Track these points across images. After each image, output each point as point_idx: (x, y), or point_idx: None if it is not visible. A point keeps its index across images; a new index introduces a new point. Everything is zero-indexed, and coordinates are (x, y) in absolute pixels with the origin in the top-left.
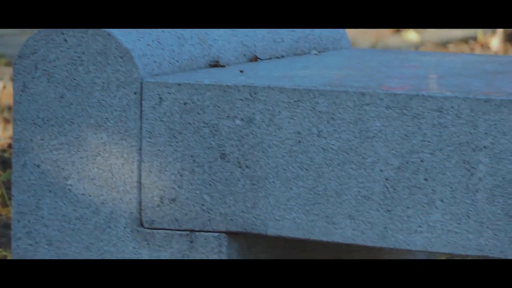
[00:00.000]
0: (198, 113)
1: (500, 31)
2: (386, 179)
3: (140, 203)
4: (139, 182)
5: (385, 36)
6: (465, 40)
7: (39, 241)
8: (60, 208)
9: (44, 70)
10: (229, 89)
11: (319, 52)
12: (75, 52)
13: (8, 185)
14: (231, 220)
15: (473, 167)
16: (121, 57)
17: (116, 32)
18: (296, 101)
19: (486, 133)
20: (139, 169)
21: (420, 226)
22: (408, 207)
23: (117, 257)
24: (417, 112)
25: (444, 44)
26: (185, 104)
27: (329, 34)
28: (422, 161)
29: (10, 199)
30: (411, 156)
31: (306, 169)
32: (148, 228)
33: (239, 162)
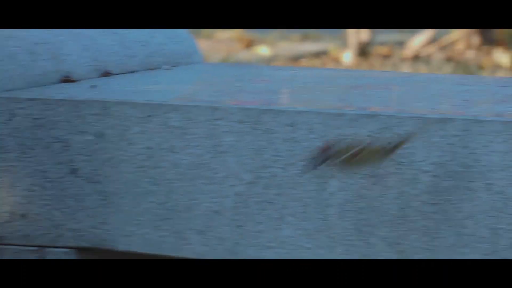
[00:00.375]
0: (50, 128)
1: (352, 45)
2: (237, 194)
3: None
4: None
5: (237, 50)
6: (317, 55)
7: None
8: None
9: None
10: (80, 104)
11: (171, 66)
12: None
13: None
14: (81, 235)
15: (325, 182)
16: None
17: None
18: (147, 116)
19: None
20: None
21: (271, 242)
22: (259, 222)
23: None
24: (269, 126)
25: (296, 58)
26: (36, 119)
27: (182, 49)
28: (273, 176)
29: None
30: (263, 171)
31: (157, 185)
32: None
33: (89, 178)
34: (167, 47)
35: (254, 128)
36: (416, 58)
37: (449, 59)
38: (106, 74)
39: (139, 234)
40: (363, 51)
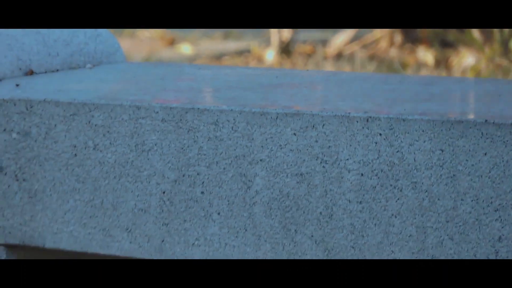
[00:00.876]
0: None
1: (275, 44)
2: (163, 192)
3: None
4: None
5: (159, 49)
6: (240, 53)
7: None
8: None
9: None
10: (5, 103)
11: (94, 65)
12: None
13: None
14: (9, 233)
15: (250, 180)
16: None
17: None
18: (71, 115)
19: (262, 146)
20: None
21: (197, 239)
22: (185, 220)
23: None
24: (192, 125)
25: (218, 57)
26: None
27: (104, 48)
28: (198, 174)
29: None
30: (188, 169)
31: (83, 182)
32: None
33: (16, 175)
34: (89, 46)
35: (177, 127)
36: (339, 56)
37: (372, 57)
38: (30, 73)
39: (67, 231)
40: (286, 50)
